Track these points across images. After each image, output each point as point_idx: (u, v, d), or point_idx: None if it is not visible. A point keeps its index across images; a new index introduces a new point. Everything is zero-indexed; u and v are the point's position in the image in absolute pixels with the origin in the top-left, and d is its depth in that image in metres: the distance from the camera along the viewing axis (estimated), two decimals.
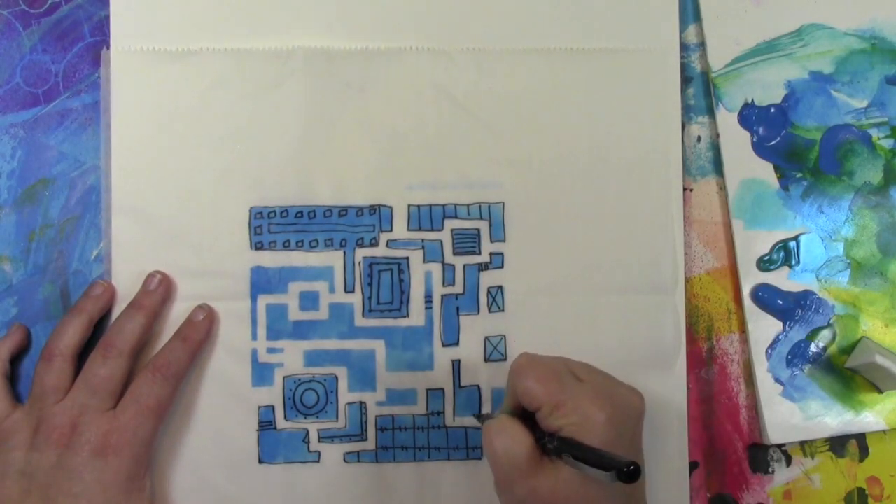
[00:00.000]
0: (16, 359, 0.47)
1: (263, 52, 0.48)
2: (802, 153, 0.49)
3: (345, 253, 0.48)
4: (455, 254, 0.48)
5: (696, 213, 0.49)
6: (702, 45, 0.50)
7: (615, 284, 0.48)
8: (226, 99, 0.48)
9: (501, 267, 0.48)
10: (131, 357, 0.45)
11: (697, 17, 0.50)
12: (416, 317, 0.48)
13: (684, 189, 0.49)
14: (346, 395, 0.47)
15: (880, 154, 0.49)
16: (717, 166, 0.49)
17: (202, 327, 0.46)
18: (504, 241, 0.48)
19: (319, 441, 0.47)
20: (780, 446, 0.49)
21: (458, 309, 0.48)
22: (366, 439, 0.47)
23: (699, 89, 0.50)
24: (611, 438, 0.38)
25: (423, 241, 0.48)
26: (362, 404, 0.48)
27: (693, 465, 0.48)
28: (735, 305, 0.49)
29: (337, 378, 0.48)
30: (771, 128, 0.49)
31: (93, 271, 0.48)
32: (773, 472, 0.49)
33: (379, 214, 0.48)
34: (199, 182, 0.47)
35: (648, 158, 0.48)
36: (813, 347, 0.48)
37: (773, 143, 0.49)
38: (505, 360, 0.48)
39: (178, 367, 0.45)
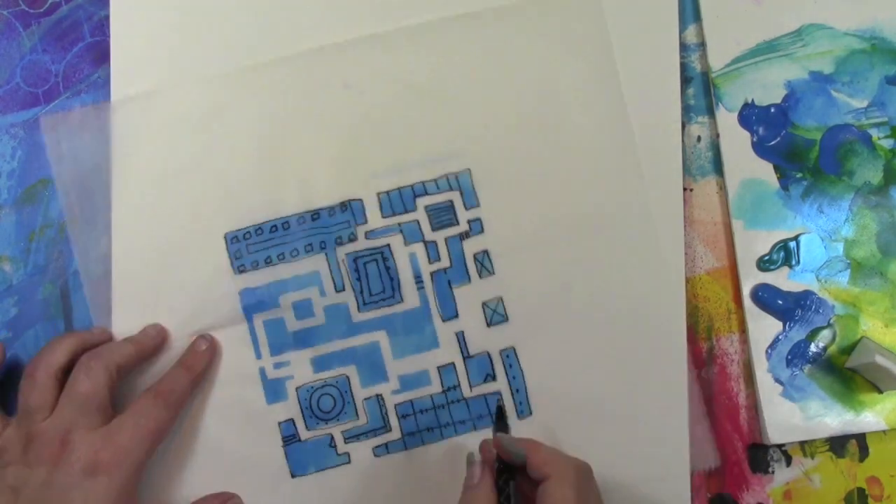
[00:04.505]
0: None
1: (200, 80, 0.48)
2: (802, 153, 0.49)
3: (326, 255, 0.48)
4: (434, 229, 0.48)
5: (696, 213, 0.49)
6: (702, 45, 0.50)
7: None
8: (179, 133, 0.48)
9: (482, 232, 0.48)
10: (116, 374, 0.44)
11: (697, 17, 0.50)
12: (411, 299, 0.48)
13: (684, 189, 0.49)
14: (361, 392, 0.48)
15: (880, 154, 0.49)
16: (717, 166, 0.49)
17: (205, 357, 0.47)
18: (478, 206, 0.48)
19: (346, 442, 0.47)
20: (780, 446, 0.49)
21: (449, 282, 0.48)
22: (390, 430, 0.47)
23: (699, 89, 0.50)
24: None
25: (399, 224, 0.48)
26: (379, 397, 0.48)
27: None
28: (735, 305, 0.49)
29: (348, 377, 0.48)
30: (771, 128, 0.49)
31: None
32: (773, 473, 0.49)
33: (350, 209, 0.48)
34: (173, 220, 0.48)
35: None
36: (813, 347, 0.48)
37: (773, 143, 0.49)
38: (507, 321, 0.48)
39: (180, 394, 0.45)
